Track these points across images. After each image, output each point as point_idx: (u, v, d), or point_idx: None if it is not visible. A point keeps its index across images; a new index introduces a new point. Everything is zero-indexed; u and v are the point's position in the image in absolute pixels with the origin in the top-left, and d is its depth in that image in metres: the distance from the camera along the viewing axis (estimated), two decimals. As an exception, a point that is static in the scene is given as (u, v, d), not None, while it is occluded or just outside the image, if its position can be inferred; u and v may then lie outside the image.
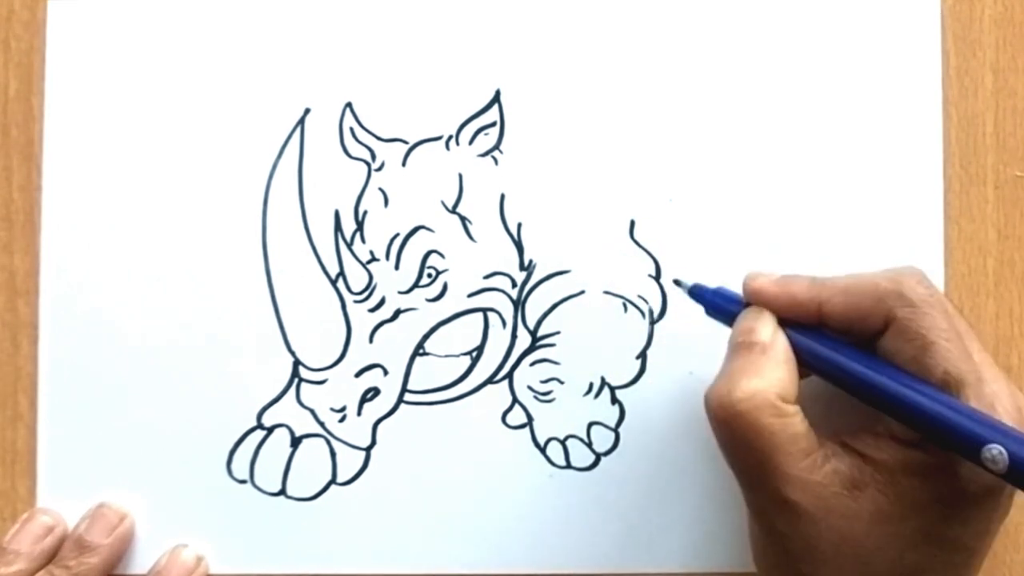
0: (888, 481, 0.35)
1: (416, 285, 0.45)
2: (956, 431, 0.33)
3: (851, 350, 0.36)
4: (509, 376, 0.45)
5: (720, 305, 0.40)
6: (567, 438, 0.44)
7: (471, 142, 0.45)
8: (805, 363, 0.37)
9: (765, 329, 0.37)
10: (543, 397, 0.44)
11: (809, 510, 0.35)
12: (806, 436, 0.35)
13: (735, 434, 0.35)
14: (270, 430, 0.45)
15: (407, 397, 0.45)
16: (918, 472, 0.35)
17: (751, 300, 0.38)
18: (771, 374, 0.36)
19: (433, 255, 0.45)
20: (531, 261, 0.44)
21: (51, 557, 0.44)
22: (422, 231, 0.45)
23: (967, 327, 0.36)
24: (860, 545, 0.35)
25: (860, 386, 0.36)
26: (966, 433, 0.33)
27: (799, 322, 0.37)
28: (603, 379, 0.44)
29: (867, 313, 0.36)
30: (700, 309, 0.41)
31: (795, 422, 0.35)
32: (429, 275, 0.45)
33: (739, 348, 0.37)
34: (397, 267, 0.45)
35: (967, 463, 0.34)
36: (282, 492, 0.45)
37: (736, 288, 0.40)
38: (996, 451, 0.31)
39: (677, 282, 0.42)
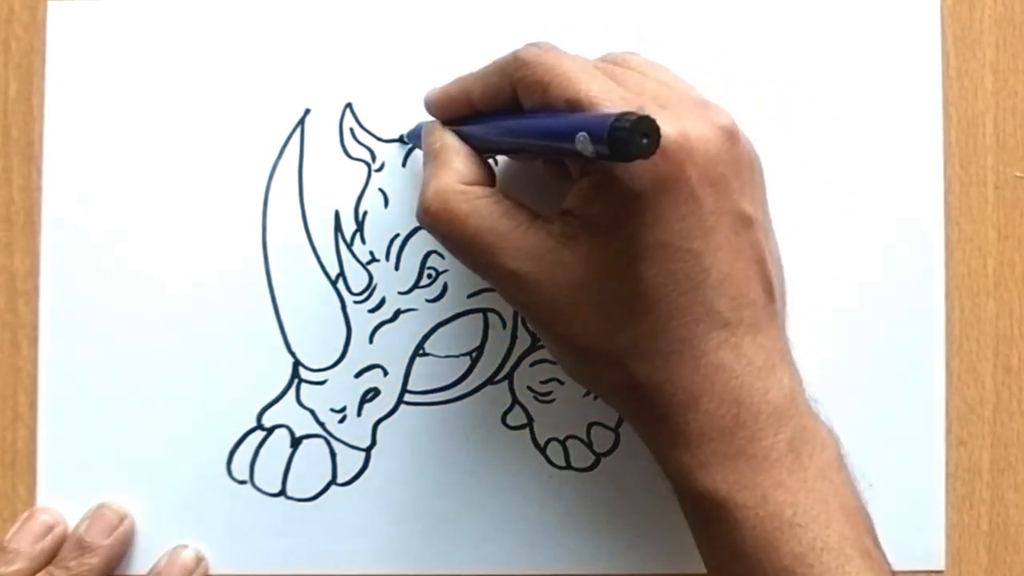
0: (583, 221, 0.36)
1: (416, 286, 0.45)
2: (552, 134, 0.35)
3: (498, 119, 0.39)
4: (509, 376, 0.45)
5: (417, 133, 0.42)
6: (567, 438, 0.44)
7: (471, 142, 0.45)
8: (477, 148, 0.39)
9: (436, 134, 0.40)
10: (543, 397, 0.44)
11: (534, 273, 0.36)
12: (508, 212, 0.37)
13: (442, 231, 0.38)
14: (270, 430, 0.45)
15: (407, 398, 0.45)
16: (593, 195, 0.36)
17: (430, 114, 0.41)
18: (446, 170, 0.38)
19: (433, 255, 0.45)
20: (531, 261, 0.44)
21: (51, 556, 0.44)
22: (422, 232, 0.45)
23: (596, 64, 0.38)
24: (587, 287, 0.36)
25: (501, 138, 0.39)
26: (558, 133, 0.34)
27: (461, 116, 0.40)
28: (603, 379, 0.44)
29: (498, 87, 0.38)
30: None
31: (488, 202, 0.37)
32: (429, 276, 0.45)
33: (424, 162, 0.40)
34: (397, 267, 0.45)
35: (620, 167, 0.34)
36: (282, 492, 0.45)
37: None
38: (582, 137, 0.32)
39: (401, 138, 0.45)
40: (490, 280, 0.38)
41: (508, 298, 0.38)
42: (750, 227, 0.36)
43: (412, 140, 0.44)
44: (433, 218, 0.38)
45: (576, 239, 0.36)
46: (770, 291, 0.37)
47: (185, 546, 0.44)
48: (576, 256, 0.36)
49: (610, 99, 0.35)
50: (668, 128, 0.33)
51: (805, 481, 0.35)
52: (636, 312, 0.35)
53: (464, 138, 0.40)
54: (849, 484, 0.37)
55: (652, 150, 0.31)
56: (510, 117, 0.38)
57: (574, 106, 0.35)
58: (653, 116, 0.31)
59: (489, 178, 0.39)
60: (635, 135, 0.31)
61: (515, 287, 0.37)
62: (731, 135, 0.36)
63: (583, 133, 0.32)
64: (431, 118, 0.41)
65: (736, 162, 0.36)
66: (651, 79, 0.38)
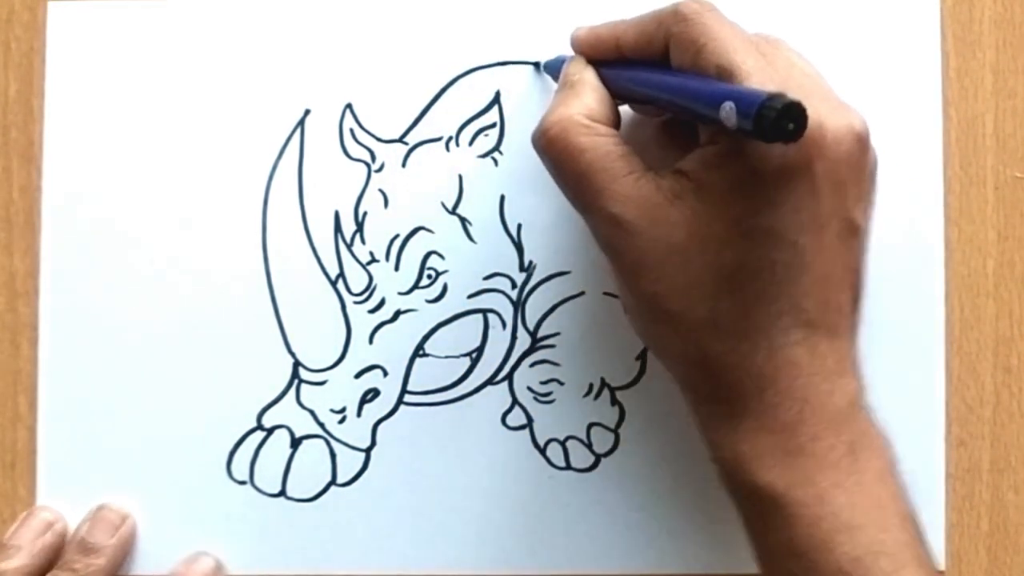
0: (698, 184, 0.35)
1: (416, 286, 0.45)
2: (699, 97, 0.35)
3: (644, 71, 0.39)
4: (509, 377, 0.45)
5: (556, 66, 0.42)
6: (567, 439, 0.44)
7: (471, 143, 0.45)
8: (615, 93, 0.39)
9: (574, 67, 0.40)
10: (543, 398, 0.44)
11: (634, 222, 0.36)
12: (624, 157, 0.37)
13: (553, 157, 0.37)
14: (270, 431, 0.45)
15: (407, 398, 0.45)
16: (715, 165, 0.35)
17: (574, 50, 0.41)
18: (577, 101, 0.38)
19: (433, 256, 0.45)
20: (531, 262, 0.45)
21: (52, 553, 0.44)
22: (422, 232, 0.45)
23: (753, 38, 0.38)
24: (683, 251, 0.35)
25: (644, 88, 0.38)
26: (706, 98, 0.34)
27: (606, 59, 0.40)
28: (603, 380, 0.44)
29: (652, 37, 0.38)
30: None
31: (607, 141, 0.37)
32: (429, 276, 0.45)
33: (556, 91, 0.40)
34: (397, 268, 0.45)
35: (753, 145, 0.34)
36: (282, 493, 0.45)
37: None
38: (728, 107, 0.32)
39: (537, 65, 0.45)
40: (588, 217, 0.38)
41: (601, 241, 0.38)
42: (855, 236, 0.36)
43: (550, 71, 0.44)
44: (549, 142, 0.37)
45: (684, 200, 0.35)
46: (856, 301, 0.37)
47: (205, 553, 0.44)
48: (680, 216, 0.35)
49: (760, 76, 0.34)
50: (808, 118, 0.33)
51: (863, 485, 0.35)
52: (725, 289, 0.35)
53: (602, 79, 0.39)
54: (903, 491, 0.37)
55: (796, 137, 0.31)
56: (655, 69, 0.38)
57: (723, 74, 0.35)
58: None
59: (615, 120, 0.39)
60: (783, 119, 0.31)
61: (612, 231, 0.36)
62: (863, 141, 0.36)
63: (730, 103, 0.32)
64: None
65: (860, 169, 0.36)
66: (797, 67, 0.38)
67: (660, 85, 0.37)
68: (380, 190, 0.45)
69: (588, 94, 0.39)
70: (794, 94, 0.32)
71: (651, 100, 0.39)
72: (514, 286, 0.45)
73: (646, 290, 0.37)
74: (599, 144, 0.37)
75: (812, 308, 0.35)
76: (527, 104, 0.45)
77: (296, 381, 0.45)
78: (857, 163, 0.36)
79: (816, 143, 0.34)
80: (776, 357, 0.35)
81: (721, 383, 0.36)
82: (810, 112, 0.32)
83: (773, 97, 0.31)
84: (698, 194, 0.35)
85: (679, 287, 0.36)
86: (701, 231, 0.35)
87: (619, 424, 0.44)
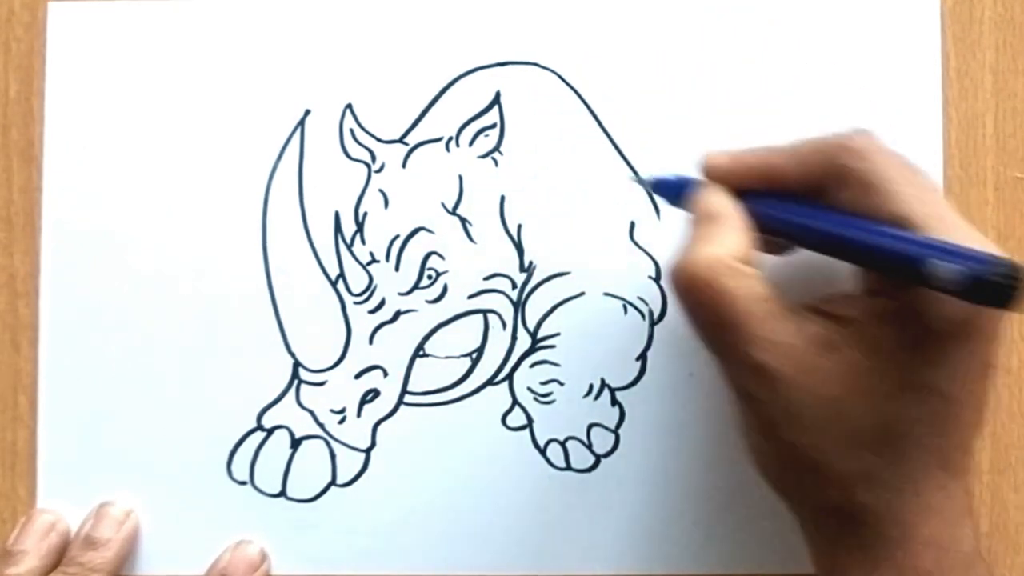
0: (858, 335, 0.35)
1: (416, 286, 0.45)
2: (898, 253, 0.33)
3: (802, 206, 0.37)
4: (509, 378, 0.45)
5: (680, 190, 0.40)
6: (567, 440, 0.44)
7: (471, 144, 0.45)
8: (762, 227, 0.37)
9: (717, 199, 0.37)
10: (543, 399, 0.44)
11: (781, 371, 0.34)
12: (770, 300, 0.35)
13: (697, 300, 0.35)
14: (270, 431, 0.45)
15: (407, 399, 0.45)
16: (885, 319, 0.35)
17: (709, 178, 0.39)
18: (726, 239, 0.36)
19: (433, 256, 0.45)
20: (531, 263, 0.45)
21: (58, 554, 0.44)
22: (422, 232, 0.45)
23: (931, 184, 0.36)
24: (838, 404, 0.34)
25: (811, 234, 0.36)
26: (908, 253, 0.33)
27: (754, 189, 0.38)
28: (603, 381, 0.44)
29: (815, 169, 0.36)
30: None
31: (756, 284, 0.35)
32: (429, 276, 0.45)
33: (695, 223, 0.37)
34: (397, 268, 0.45)
35: (932, 302, 0.34)
36: (282, 493, 0.45)
37: None
38: (940, 266, 0.31)
39: (638, 179, 0.43)
40: (728, 365, 0.36)
41: (740, 390, 0.36)
42: (991, 378, 0.36)
43: (663, 193, 0.41)
44: (698, 287, 0.35)
45: (838, 350, 0.34)
46: (978, 437, 0.37)
47: (250, 541, 0.44)
48: (834, 367, 0.34)
49: (944, 227, 0.33)
50: None
51: None
52: (882, 441, 0.35)
53: (750, 213, 0.37)
54: None
55: (1013, 304, 0.30)
56: (816, 207, 0.36)
57: (899, 222, 0.34)
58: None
59: (755, 258, 0.36)
60: (1010, 284, 0.30)
61: (757, 381, 0.35)
62: None
63: (943, 263, 0.31)
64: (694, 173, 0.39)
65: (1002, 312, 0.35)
66: (933, 191, 0.36)
67: (840, 229, 0.35)
68: (380, 190, 0.45)
69: (737, 233, 0.36)
70: (982, 242, 0.32)
71: (811, 241, 0.37)
72: (514, 286, 0.45)
73: (792, 441, 0.35)
74: (748, 287, 0.35)
75: (954, 454, 0.35)
76: (527, 104, 0.45)
77: (296, 381, 0.45)
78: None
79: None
80: (920, 504, 0.35)
81: (866, 531, 0.35)
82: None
83: (998, 262, 0.30)
84: (858, 345, 0.34)
85: (831, 439, 0.35)
86: (860, 384, 0.34)
87: (619, 425, 0.44)
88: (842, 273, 0.38)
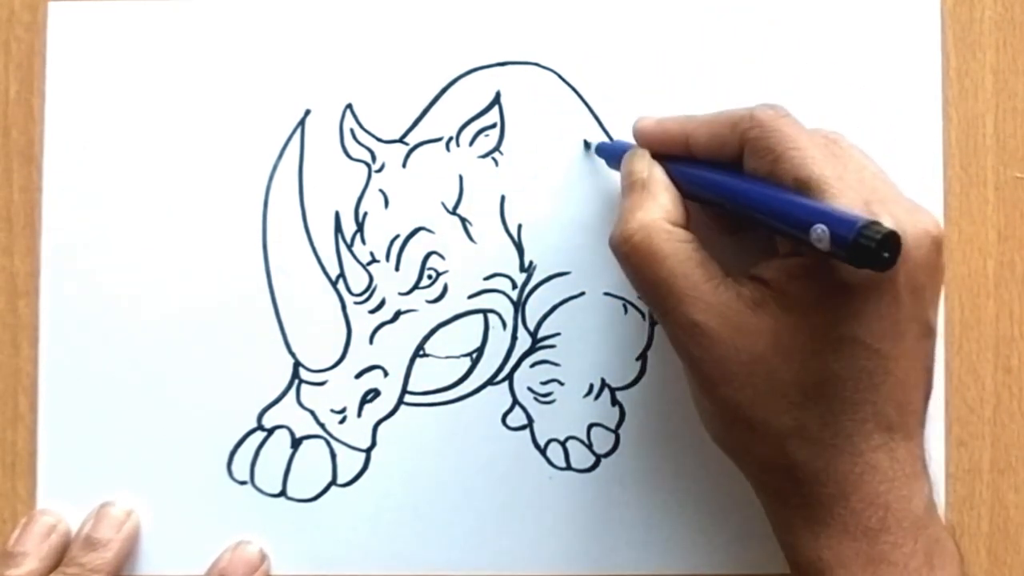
0: (780, 294, 0.36)
1: (416, 286, 0.45)
2: (788, 217, 0.35)
3: (716, 173, 0.39)
4: (509, 377, 0.45)
5: (615, 152, 0.42)
6: (567, 439, 0.44)
7: (471, 143, 0.45)
8: (684, 192, 0.39)
9: (641, 164, 0.40)
10: (543, 398, 0.44)
11: (716, 330, 0.36)
12: (705, 262, 0.37)
13: (636, 264, 0.37)
14: (270, 431, 0.45)
15: (407, 398, 0.45)
16: (800, 275, 0.36)
17: (637, 141, 0.42)
18: (654, 204, 0.38)
19: (433, 256, 0.45)
20: (531, 262, 0.45)
21: (59, 555, 0.44)
22: (422, 232, 0.45)
23: (845, 151, 0.38)
24: (767, 360, 0.36)
25: (722, 195, 0.38)
26: (796, 218, 0.34)
27: (673, 154, 0.40)
28: (603, 380, 0.44)
29: (725, 139, 0.38)
30: None
31: (688, 247, 0.37)
32: (429, 276, 0.45)
33: (625, 190, 0.40)
34: (397, 268, 0.45)
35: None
36: (282, 493, 0.45)
37: None
38: (820, 230, 0.32)
39: (587, 143, 0.44)
40: (667, 324, 0.38)
41: (680, 348, 0.38)
42: (930, 337, 0.37)
43: (602, 155, 0.44)
44: (633, 249, 0.37)
45: (765, 308, 0.36)
46: (927, 400, 0.37)
47: (249, 542, 0.44)
48: (762, 325, 0.36)
49: (841, 189, 0.35)
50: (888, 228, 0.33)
51: None
52: (811, 397, 0.36)
53: (671, 176, 0.39)
54: None
55: (890, 266, 0.32)
56: (728, 174, 0.38)
57: (802, 186, 0.35)
58: (878, 215, 0.32)
59: (688, 221, 0.39)
60: (881, 249, 0.31)
61: (693, 339, 0.37)
62: (938, 244, 0.36)
63: (822, 227, 0.32)
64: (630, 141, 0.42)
65: (936, 271, 0.36)
66: (868, 170, 0.38)
67: (742, 194, 0.37)
68: (380, 190, 0.45)
69: (663, 195, 0.39)
70: (871, 201, 0.33)
71: (724, 205, 0.38)
72: (514, 286, 0.45)
73: (728, 398, 0.37)
74: (680, 251, 0.37)
75: (892, 412, 0.36)
76: (527, 104, 0.45)
77: (296, 381, 0.45)
78: (933, 266, 0.36)
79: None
80: (859, 463, 0.36)
81: (804, 489, 0.36)
82: (888, 219, 0.32)
83: (869, 226, 0.31)
84: (781, 303, 0.36)
85: (763, 396, 0.36)
86: (785, 341, 0.36)
87: (619, 424, 0.44)
88: (771, 241, 0.39)
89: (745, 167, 0.38)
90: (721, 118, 0.39)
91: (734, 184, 0.38)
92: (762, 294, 0.36)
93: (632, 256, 0.37)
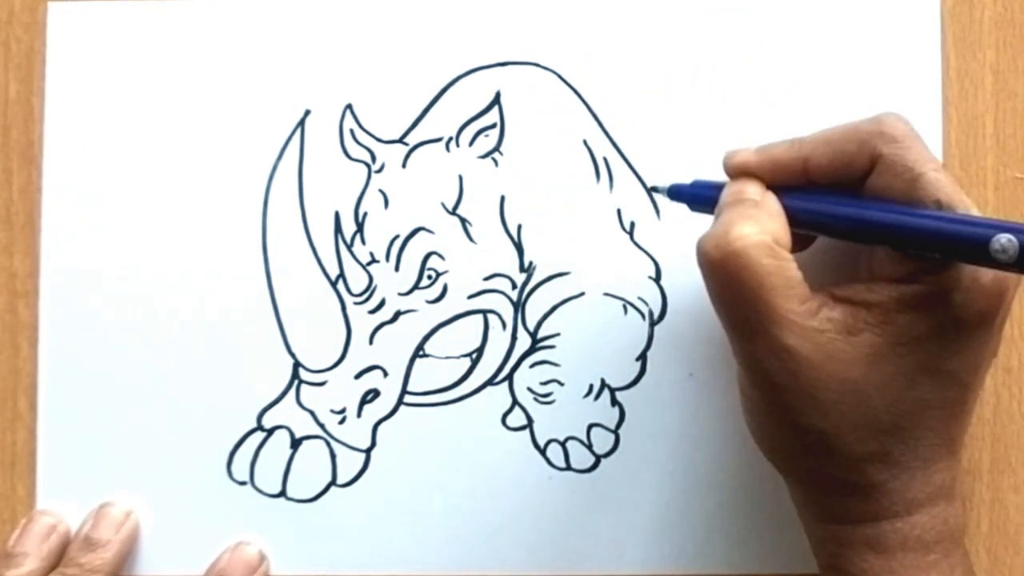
0: (883, 321, 0.35)
1: (416, 287, 0.45)
2: (959, 235, 0.33)
3: (840, 196, 0.36)
4: (509, 378, 0.45)
5: (702, 194, 0.39)
6: (567, 440, 0.44)
7: (471, 144, 0.45)
8: (797, 221, 0.37)
9: (753, 189, 0.37)
10: (543, 399, 0.44)
11: (808, 356, 0.34)
12: (801, 284, 0.35)
13: (731, 275, 0.35)
14: (270, 431, 0.45)
15: (407, 399, 0.45)
16: (913, 306, 0.35)
17: (734, 176, 0.38)
18: (765, 222, 0.36)
19: (433, 257, 0.45)
20: (531, 263, 0.45)
21: (58, 555, 0.44)
22: (422, 233, 0.45)
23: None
24: (859, 389, 0.35)
25: (855, 225, 0.36)
26: (970, 234, 0.33)
27: (786, 184, 0.37)
28: (603, 381, 0.44)
29: (852, 157, 0.36)
30: (702, 309, 0.41)
31: (791, 267, 0.35)
32: (429, 277, 0.45)
33: (730, 205, 0.37)
34: (397, 269, 0.45)
35: (960, 290, 0.34)
36: (282, 494, 0.45)
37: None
38: (1005, 239, 0.31)
39: (655, 188, 0.43)
40: (751, 347, 0.36)
41: (761, 373, 0.36)
42: (993, 362, 0.38)
43: (681, 198, 0.41)
44: (732, 257, 0.34)
45: (859, 336, 0.35)
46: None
47: (248, 543, 0.44)
48: (856, 353, 0.35)
49: (964, 202, 0.34)
50: None
51: None
52: (900, 426, 0.35)
53: (784, 207, 0.37)
54: None
55: None
56: (863, 201, 0.36)
57: (943, 207, 0.34)
58: None
59: (790, 246, 0.36)
60: None
61: (782, 364, 0.35)
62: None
63: (1008, 236, 0.31)
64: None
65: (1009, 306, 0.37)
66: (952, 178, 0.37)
67: (885, 222, 0.35)
68: (380, 190, 0.45)
69: (775, 219, 0.36)
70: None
71: (857, 236, 0.36)
72: (514, 286, 0.45)
73: (811, 426, 0.35)
74: (783, 269, 0.35)
75: (958, 436, 0.37)
76: (527, 104, 0.45)
77: (296, 381, 0.45)
78: (1010, 301, 0.36)
79: (1002, 286, 0.35)
80: (930, 484, 0.36)
81: (872, 508, 0.36)
82: None
83: None
84: (882, 332, 0.35)
85: (850, 423, 0.35)
86: (882, 370, 0.35)
87: (619, 425, 0.44)
88: (858, 262, 0.38)
89: (870, 184, 0.36)
90: (843, 135, 0.36)
91: (877, 213, 0.35)
92: (855, 319, 0.35)
93: (729, 265, 0.35)
